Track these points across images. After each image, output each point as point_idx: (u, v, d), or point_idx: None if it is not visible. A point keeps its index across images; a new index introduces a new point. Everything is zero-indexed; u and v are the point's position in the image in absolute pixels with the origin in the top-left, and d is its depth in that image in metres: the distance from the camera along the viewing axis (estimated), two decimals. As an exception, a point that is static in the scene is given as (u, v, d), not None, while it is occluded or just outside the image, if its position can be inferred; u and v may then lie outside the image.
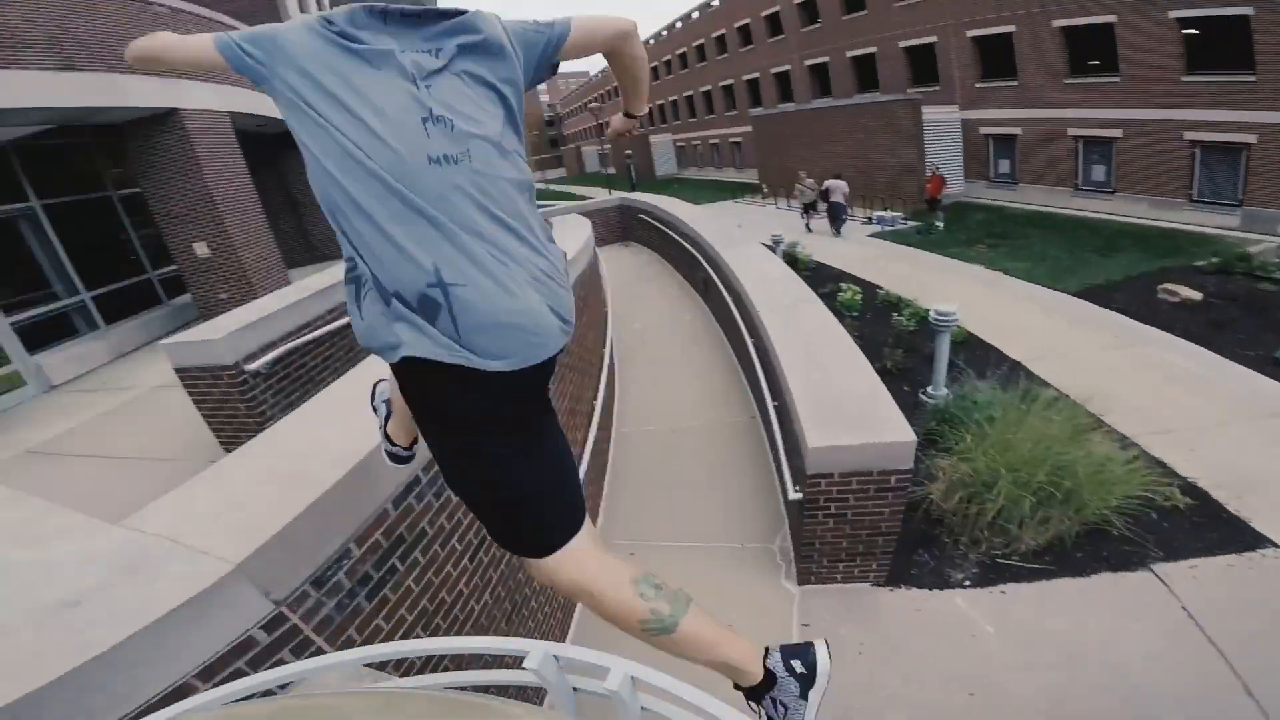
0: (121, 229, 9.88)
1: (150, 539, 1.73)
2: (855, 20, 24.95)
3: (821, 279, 10.30)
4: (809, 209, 17.81)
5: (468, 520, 2.66)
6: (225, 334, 4.35)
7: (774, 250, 9.29)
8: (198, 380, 4.57)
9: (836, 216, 16.50)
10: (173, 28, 8.69)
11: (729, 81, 35.88)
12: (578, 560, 1.23)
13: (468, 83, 1.17)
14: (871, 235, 16.62)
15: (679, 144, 46.28)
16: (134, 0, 8.19)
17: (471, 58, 1.18)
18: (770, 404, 4.25)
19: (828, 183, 16.65)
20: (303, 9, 17.16)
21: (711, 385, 6.61)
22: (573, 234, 6.94)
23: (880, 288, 9.62)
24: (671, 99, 45.22)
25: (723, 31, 34.78)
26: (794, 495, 3.43)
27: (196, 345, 4.44)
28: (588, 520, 1.29)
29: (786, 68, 30.39)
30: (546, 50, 1.30)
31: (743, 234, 8.41)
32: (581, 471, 3.71)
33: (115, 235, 9.82)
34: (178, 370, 4.60)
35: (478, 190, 1.13)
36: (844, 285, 9.09)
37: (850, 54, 25.94)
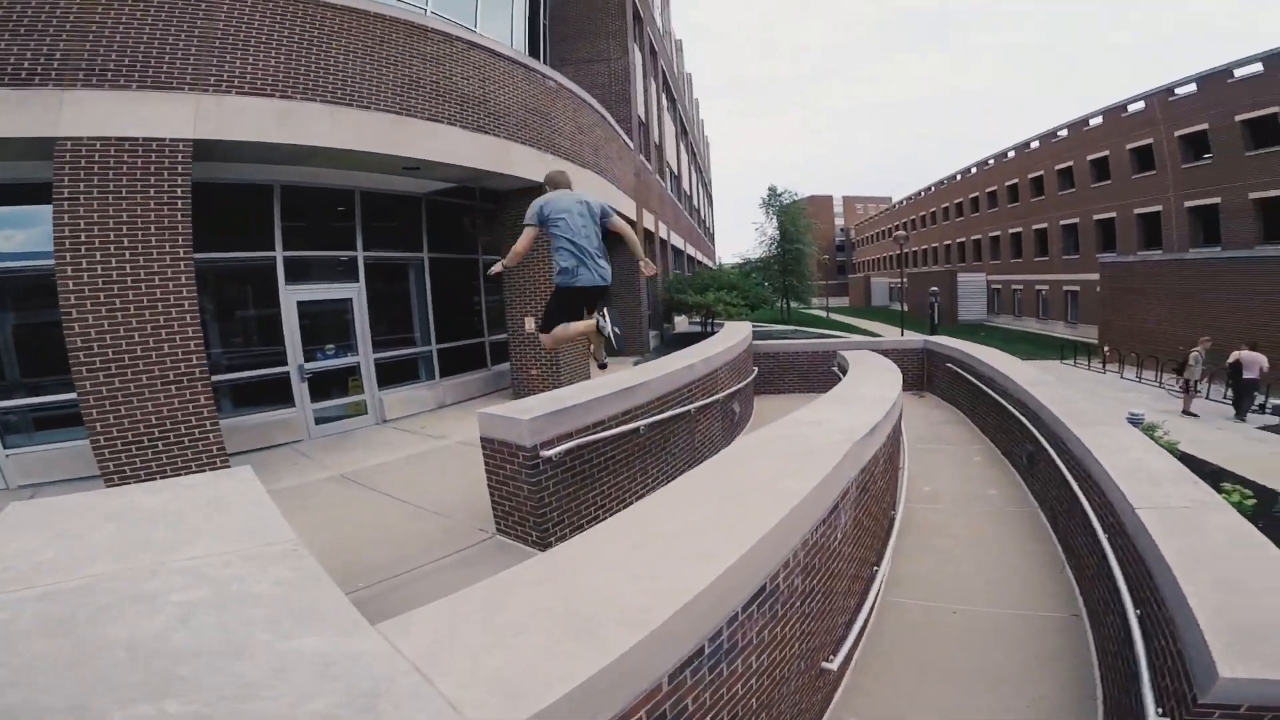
0: (475, 292, 11.60)
1: (401, 665, 1.39)
2: (1269, 156, 20.50)
3: (1191, 476, 7.90)
4: (1190, 385, 14.31)
5: (729, 695, 2.18)
6: (530, 417, 4.39)
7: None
8: (496, 451, 4.76)
9: (1244, 397, 13.04)
10: (555, 100, 10.34)
11: (1072, 220, 32.09)
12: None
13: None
14: (1264, 428, 12.70)
15: (994, 285, 42.33)
16: (535, 72, 9.85)
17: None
18: (1130, 611, 3.12)
19: (1238, 354, 13.32)
20: (647, 101, 19.74)
21: (1019, 572, 5.28)
22: (878, 381, 6.22)
23: (1281, 495, 7.09)
24: (993, 234, 41.91)
25: (1069, 164, 31.58)
26: (1157, 720, 2.45)
27: (505, 420, 4.56)
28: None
29: (1157, 208, 26.08)
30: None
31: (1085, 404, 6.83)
32: (848, 646, 3.35)
33: (469, 297, 11.60)
34: (484, 438, 4.85)
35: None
36: (1227, 486, 6.92)
37: (1256, 195, 21.24)
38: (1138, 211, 26.89)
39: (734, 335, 10.07)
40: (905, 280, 40.42)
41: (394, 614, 1.69)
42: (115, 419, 5.37)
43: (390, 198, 9.39)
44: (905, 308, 36.35)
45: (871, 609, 4.42)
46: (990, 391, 8.53)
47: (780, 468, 3.02)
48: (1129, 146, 26.76)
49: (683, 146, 31.91)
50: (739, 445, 3.78)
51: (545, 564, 1.98)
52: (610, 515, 5.16)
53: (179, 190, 5.59)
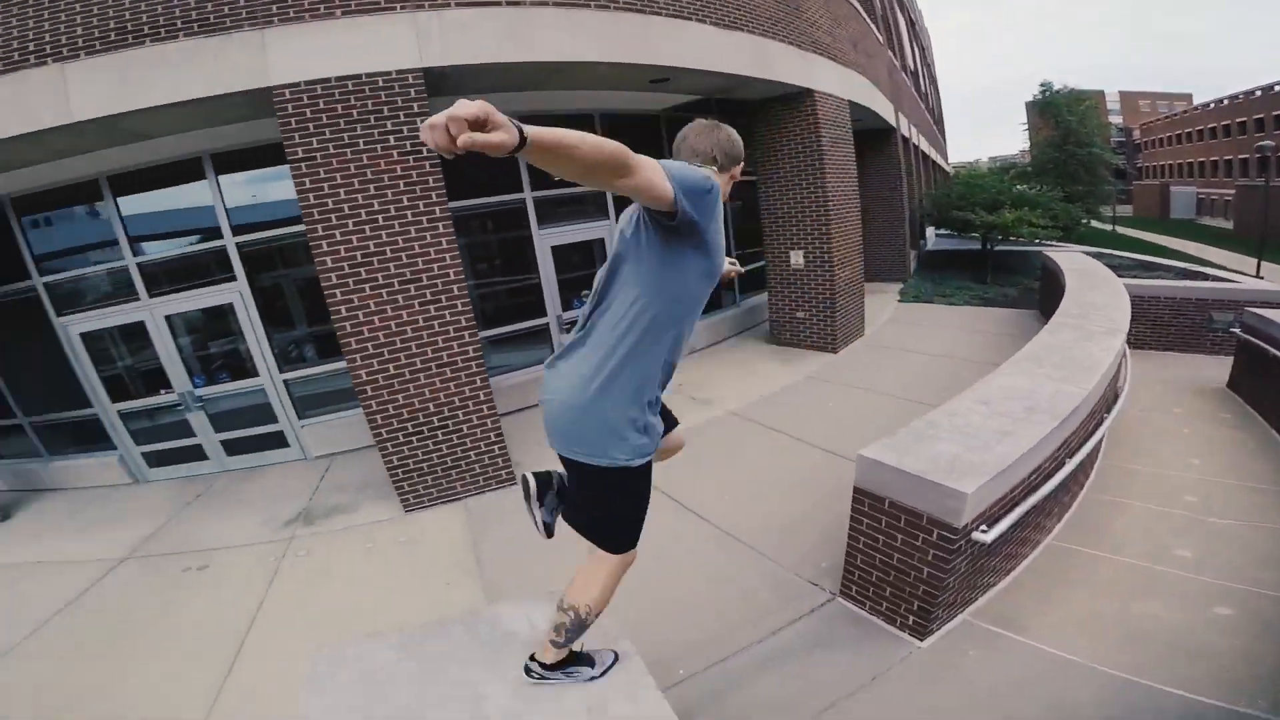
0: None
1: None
2: None
3: None
4: None
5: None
6: (976, 486, 2.85)
7: None
8: (884, 514, 3.19)
9: None
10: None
11: None
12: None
13: None
14: None
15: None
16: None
17: None
18: None
19: None
20: None
21: None
22: None
23: None
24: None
25: None
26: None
27: (919, 483, 2.99)
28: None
29: None
30: None
31: None
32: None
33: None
34: (859, 490, 3.28)
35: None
36: None
37: None
38: None
39: (1106, 283, 7.53)
40: (1220, 195, 31.58)
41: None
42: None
43: (628, 118, 8.05)
44: (1231, 225, 28.37)
45: None
46: None
47: None
48: None
49: (912, 39, 27.00)
50: None
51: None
52: (1002, 579, 3.57)
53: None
